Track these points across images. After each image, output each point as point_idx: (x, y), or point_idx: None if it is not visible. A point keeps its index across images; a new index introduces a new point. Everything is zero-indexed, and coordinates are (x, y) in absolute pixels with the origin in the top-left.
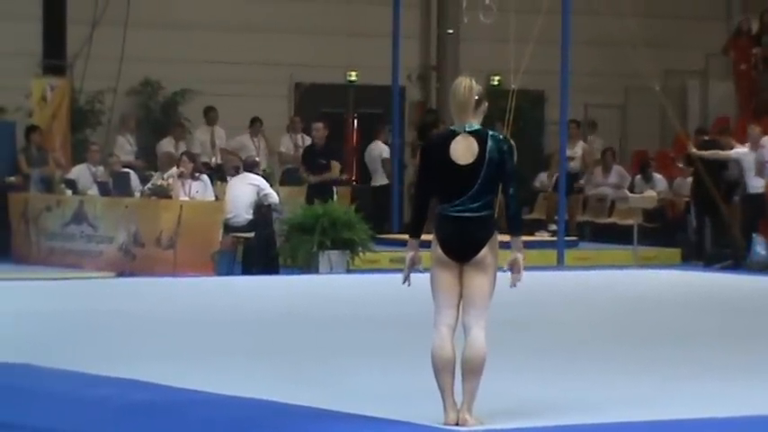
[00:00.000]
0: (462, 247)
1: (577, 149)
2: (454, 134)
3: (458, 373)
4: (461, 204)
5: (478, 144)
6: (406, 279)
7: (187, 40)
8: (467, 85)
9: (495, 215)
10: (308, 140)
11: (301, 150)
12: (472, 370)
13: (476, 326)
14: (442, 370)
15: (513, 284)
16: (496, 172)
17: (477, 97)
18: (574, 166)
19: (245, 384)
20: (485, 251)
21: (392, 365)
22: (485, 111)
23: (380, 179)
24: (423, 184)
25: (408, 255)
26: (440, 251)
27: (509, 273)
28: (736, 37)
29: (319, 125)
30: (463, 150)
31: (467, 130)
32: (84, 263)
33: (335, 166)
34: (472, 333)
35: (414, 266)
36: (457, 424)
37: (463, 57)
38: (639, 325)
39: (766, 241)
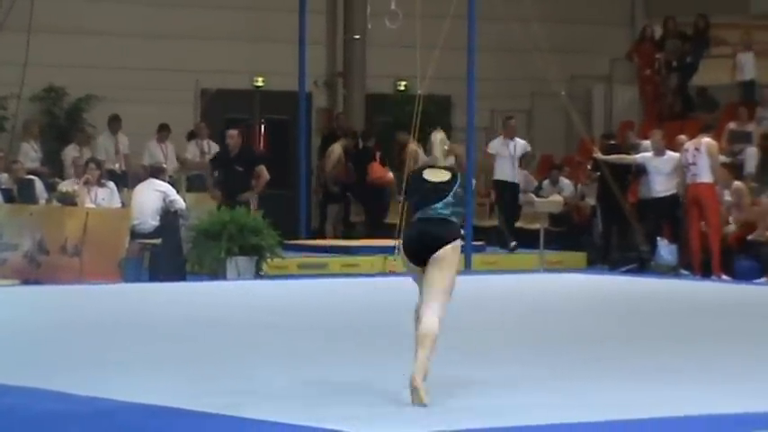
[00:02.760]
0: (421, 248)
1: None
2: (432, 166)
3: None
4: (433, 209)
5: (449, 172)
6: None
7: (91, 46)
8: (441, 139)
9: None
10: (215, 147)
11: (208, 157)
12: (422, 343)
13: (428, 310)
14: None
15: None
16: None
17: (446, 147)
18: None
19: (153, 391)
20: (445, 250)
21: (300, 370)
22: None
23: None
24: (409, 201)
25: None
26: (404, 254)
27: None
28: (639, 42)
29: (234, 132)
30: (438, 173)
31: (440, 165)
32: None
33: (262, 170)
34: (425, 316)
35: None
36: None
37: (370, 62)
38: (546, 328)
39: (670, 244)
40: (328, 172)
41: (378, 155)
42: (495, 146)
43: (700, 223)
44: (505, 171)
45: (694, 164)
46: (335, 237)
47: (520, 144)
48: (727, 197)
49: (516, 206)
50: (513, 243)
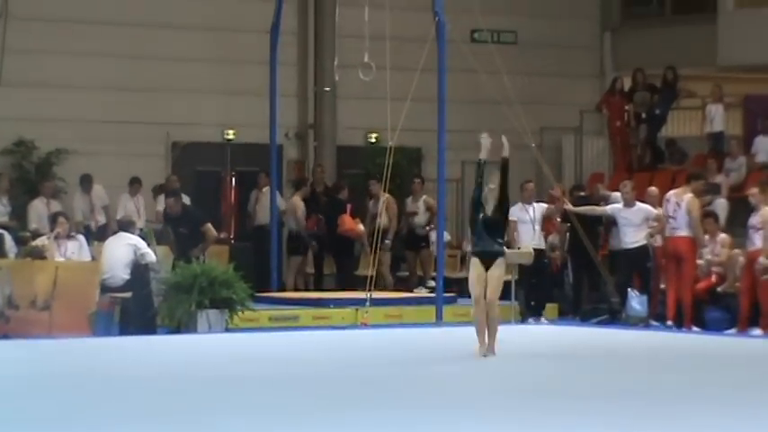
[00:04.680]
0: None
1: (420, 204)
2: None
3: None
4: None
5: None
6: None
7: (61, 99)
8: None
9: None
10: (186, 199)
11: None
12: (491, 322)
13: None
14: (480, 322)
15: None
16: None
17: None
18: (418, 220)
19: None
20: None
21: (272, 424)
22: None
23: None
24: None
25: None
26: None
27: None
28: (609, 94)
29: (171, 201)
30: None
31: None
32: None
33: (208, 229)
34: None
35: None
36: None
37: (341, 114)
38: (517, 380)
39: (641, 296)
40: (301, 225)
41: (348, 207)
42: (515, 212)
43: (676, 276)
44: (527, 237)
45: (674, 217)
46: (296, 289)
47: (538, 208)
48: (708, 255)
49: (544, 273)
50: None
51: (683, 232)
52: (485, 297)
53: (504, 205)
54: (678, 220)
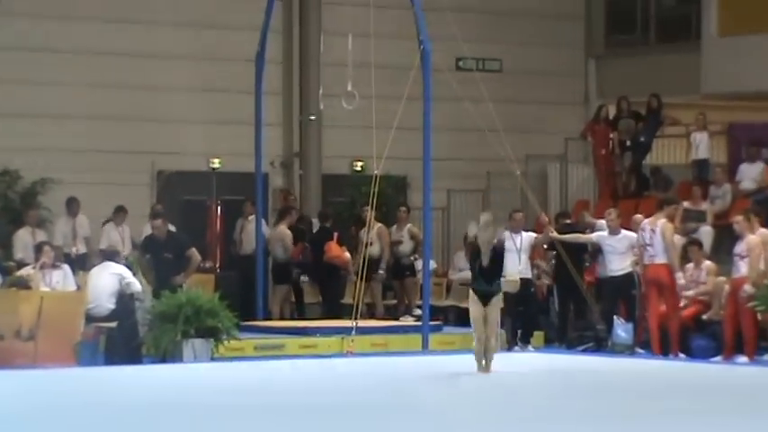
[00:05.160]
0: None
1: (405, 233)
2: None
3: None
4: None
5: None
6: None
7: (47, 128)
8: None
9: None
10: (172, 227)
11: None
12: (488, 353)
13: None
14: (478, 352)
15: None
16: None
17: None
18: (403, 249)
19: None
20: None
21: None
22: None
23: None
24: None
25: None
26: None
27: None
28: (594, 122)
29: (158, 222)
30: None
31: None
32: None
33: (193, 254)
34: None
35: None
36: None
37: (326, 143)
38: (503, 407)
39: (627, 323)
40: (288, 253)
41: (335, 235)
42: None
43: (659, 303)
44: (513, 266)
45: (651, 245)
46: (282, 318)
47: (526, 237)
48: (681, 280)
49: (531, 302)
50: (519, 346)
51: (662, 259)
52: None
53: (497, 263)
54: (655, 246)
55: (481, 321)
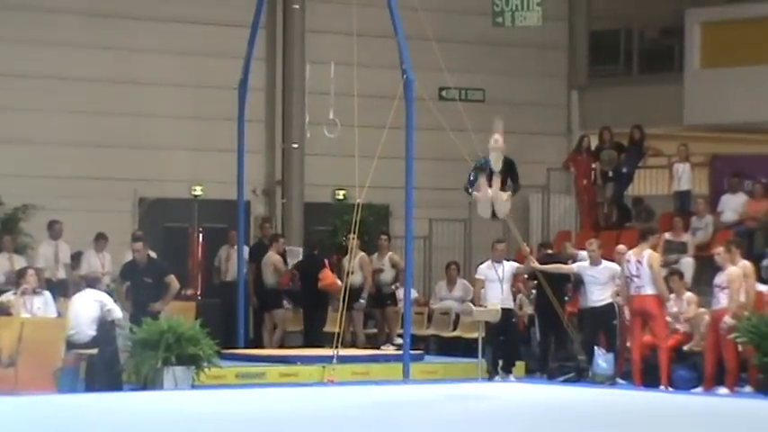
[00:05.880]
0: None
1: (386, 261)
2: None
3: None
4: None
5: None
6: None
7: (28, 155)
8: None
9: None
10: (153, 254)
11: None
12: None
13: None
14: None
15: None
16: None
17: None
18: (384, 277)
19: None
20: None
21: None
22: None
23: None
24: None
25: None
26: None
27: None
28: (576, 152)
29: (139, 245)
30: None
31: None
32: None
33: (172, 280)
34: None
35: None
36: None
37: (308, 171)
38: None
39: (608, 354)
40: (280, 279)
41: (327, 262)
42: (483, 270)
43: (642, 334)
44: (495, 296)
45: (638, 276)
46: (272, 345)
47: (508, 266)
48: (674, 308)
49: (512, 331)
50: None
51: (649, 290)
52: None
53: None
54: (642, 278)
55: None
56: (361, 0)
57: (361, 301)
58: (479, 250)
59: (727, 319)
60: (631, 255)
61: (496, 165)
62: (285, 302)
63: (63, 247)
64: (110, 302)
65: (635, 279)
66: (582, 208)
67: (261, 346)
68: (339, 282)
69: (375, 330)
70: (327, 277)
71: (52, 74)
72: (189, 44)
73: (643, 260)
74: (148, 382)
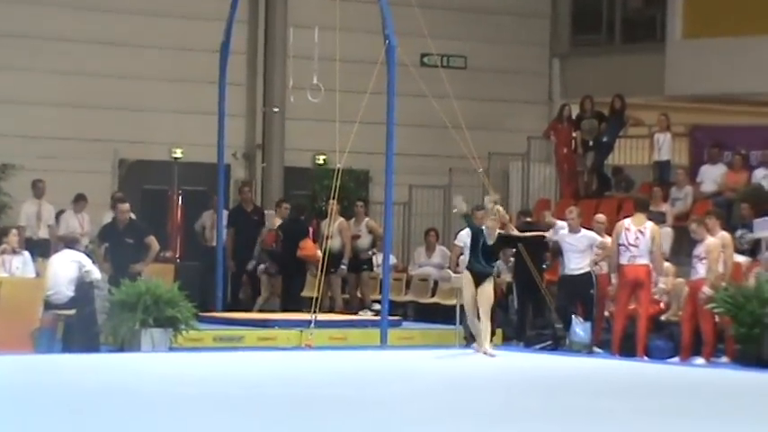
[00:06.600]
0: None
1: (363, 227)
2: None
3: None
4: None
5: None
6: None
7: (8, 114)
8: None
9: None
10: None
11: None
12: (481, 330)
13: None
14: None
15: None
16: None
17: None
18: (361, 243)
19: None
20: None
21: None
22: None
23: None
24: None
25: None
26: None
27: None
28: (557, 121)
29: (126, 206)
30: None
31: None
32: None
33: (152, 241)
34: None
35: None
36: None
37: (289, 135)
38: (461, 404)
39: (585, 323)
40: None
41: (311, 231)
42: (462, 237)
43: (628, 304)
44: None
45: (636, 245)
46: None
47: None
48: (662, 284)
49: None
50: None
51: (644, 260)
52: (478, 317)
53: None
54: (641, 248)
55: (472, 303)
56: None
57: (342, 267)
58: (458, 217)
59: (705, 290)
60: (631, 224)
61: (490, 238)
62: (265, 265)
63: (47, 207)
64: (88, 263)
65: (631, 248)
66: (562, 177)
67: (239, 310)
68: (319, 253)
69: (347, 296)
70: (308, 248)
71: (34, 34)
72: (172, 6)
73: (646, 231)
74: (126, 343)
